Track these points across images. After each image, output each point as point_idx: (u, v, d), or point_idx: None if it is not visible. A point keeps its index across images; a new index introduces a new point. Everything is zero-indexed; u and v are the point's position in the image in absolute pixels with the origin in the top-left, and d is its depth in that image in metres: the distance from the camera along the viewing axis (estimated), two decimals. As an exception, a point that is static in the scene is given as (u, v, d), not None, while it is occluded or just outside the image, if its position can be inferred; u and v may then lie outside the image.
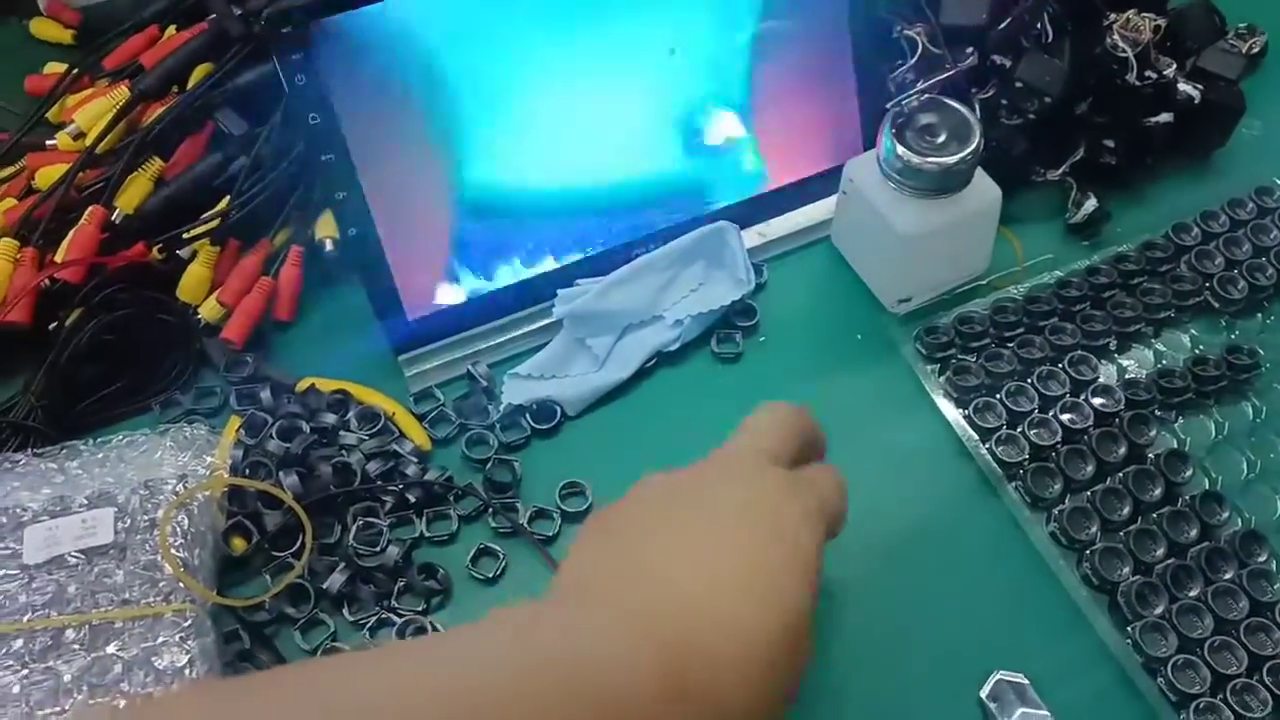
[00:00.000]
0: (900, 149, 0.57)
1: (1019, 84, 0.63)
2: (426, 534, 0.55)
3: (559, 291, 0.62)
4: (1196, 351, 0.61)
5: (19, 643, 0.47)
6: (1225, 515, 0.54)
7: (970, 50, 0.65)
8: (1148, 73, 0.65)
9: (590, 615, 0.37)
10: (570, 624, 0.36)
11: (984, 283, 0.64)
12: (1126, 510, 0.54)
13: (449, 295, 0.61)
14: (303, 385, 0.59)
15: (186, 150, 0.63)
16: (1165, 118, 0.65)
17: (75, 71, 0.69)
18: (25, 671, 0.46)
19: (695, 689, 0.35)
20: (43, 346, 0.58)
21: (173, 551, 0.49)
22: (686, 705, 0.35)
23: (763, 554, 0.39)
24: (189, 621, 0.48)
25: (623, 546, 0.40)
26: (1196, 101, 0.66)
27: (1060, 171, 0.66)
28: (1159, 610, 0.51)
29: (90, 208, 0.60)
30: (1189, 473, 0.55)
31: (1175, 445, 0.57)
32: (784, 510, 0.41)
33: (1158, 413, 0.58)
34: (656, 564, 0.38)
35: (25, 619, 0.48)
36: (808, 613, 0.38)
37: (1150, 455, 0.56)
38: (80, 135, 0.63)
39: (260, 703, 0.32)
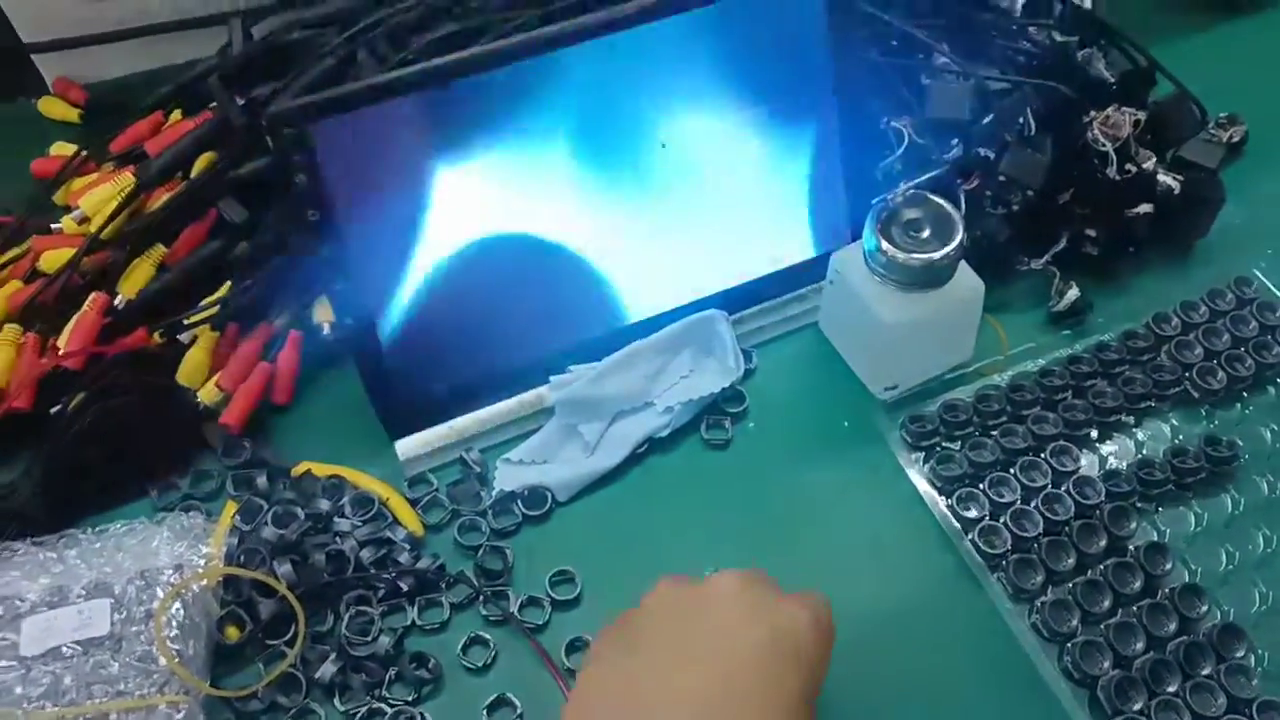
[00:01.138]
0: (885, 245, 0.59)
1: (1002, 176, 0.65)
2: (418, 622, 0.56)
3: (551, 378, 0.63)
4: (1176, 441, 0.62)
5: (15, 736, 0.48)
6: (1204, 609, 0.55)
7: (955, 142, 0.67)
8: (1128, 166, 0.66)
9: None
10: None
11: (969, 370, 0.65)
12: (1107, 603, 0.55)
13: (443, 381, 0.62)
14: (299, 470, 0.60)
15: (188, 237, 0.64)
16: (1145, 209, 0.67)
17: (82, 155, 0.70)
18: (20, 766, 0.47)
19: None
20: (42, 429, 0.59)
21: (168, 644, 0.50)
22: None
23: (769, 656, 0.44)
24: (182, 714, 0.49)
25: (635, 665, 0.45)
26: (1176, 192, 0.67)
27: (1043, 261, 0.67)
28: (1138, 706, 0.52)
29: (93, 294, 0.61)
30: (1169, 565, 0.56)
31: (1155, 537, 0.58)
32: (785, 612, 0.46)
33: (1138, 504, 0.59)
34: (671, 681, 0.43)
35: (20, 711, 0.48)
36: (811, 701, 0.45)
37: (1130, 547, 0.57)
38: (85, 220, 0.65)
39: None
